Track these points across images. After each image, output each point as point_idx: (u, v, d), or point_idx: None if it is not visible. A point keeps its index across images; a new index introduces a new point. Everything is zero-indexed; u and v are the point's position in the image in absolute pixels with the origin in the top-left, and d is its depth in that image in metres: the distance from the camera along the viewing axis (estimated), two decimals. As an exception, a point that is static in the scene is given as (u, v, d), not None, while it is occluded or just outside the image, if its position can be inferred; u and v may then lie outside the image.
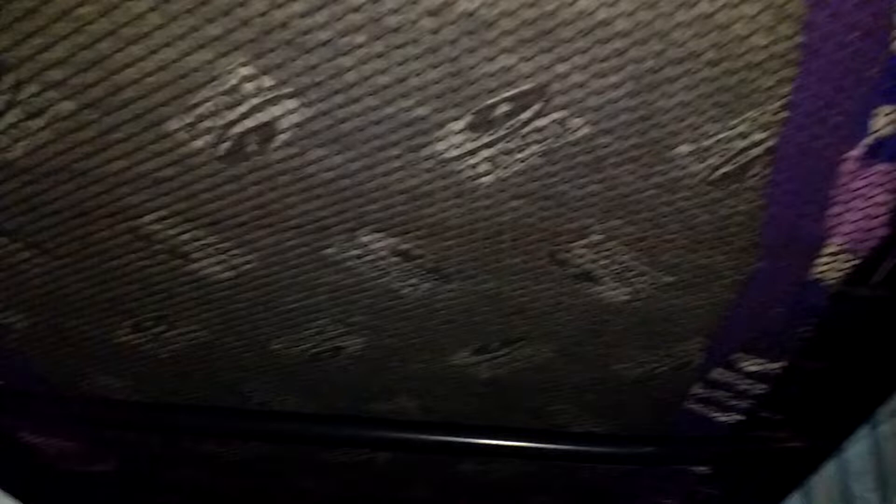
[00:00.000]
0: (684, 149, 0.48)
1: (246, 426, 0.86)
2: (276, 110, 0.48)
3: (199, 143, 0.50)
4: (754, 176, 0.49)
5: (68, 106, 0.48)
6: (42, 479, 1.03)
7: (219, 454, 1.02)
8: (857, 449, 1.01)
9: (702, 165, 0.49)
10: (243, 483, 1.13)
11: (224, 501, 1.17)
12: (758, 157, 0.48)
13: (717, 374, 0.72)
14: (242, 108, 0.48)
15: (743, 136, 0.46)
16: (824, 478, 0.99)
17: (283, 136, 0.50)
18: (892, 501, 0.95)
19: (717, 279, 0.60)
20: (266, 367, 0.79)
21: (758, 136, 0.46)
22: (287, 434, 0.87)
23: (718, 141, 0.47)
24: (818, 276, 0.57)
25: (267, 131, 0.49)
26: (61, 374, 0.81)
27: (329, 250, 0.61)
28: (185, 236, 0.60)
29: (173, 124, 0.49)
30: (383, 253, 0.61)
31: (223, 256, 0.62)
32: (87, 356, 0.77)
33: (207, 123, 0.49)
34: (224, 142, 0.50)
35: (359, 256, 0.61)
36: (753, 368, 0.69)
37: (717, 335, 0.67)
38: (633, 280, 0.61)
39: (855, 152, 0.47)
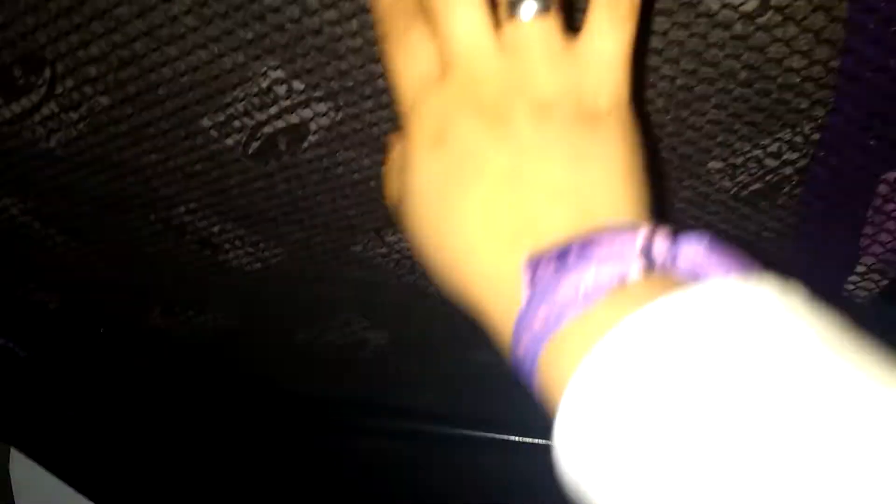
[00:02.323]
0: (715, 165, 0.47)
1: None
2: (306, 113, 0.48)
3: (230, 140, 0.51)
4: (785, 195, 0.49)
5: (103, 101, 0.49)
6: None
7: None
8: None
9: (732, 182, 0.48)
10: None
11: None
12: (789, 176, 0.47)
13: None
14: (273, 110, 0.48)
15: (775, 155, 0.46)
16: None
17: (312, 138, 0.50)
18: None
19: (744, 293, 0.59)
20: (291, 356, 0.80)
21: (790, 156, 0.46)
22: (313, 419, 0.88)
23: (749, 159, 0.46)
24: (848, 294, 0.56)
25: (297, 132, 0.50)
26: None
27: (356, 247, 0.61)
28: (216, 228, 0.60)
29: (206, 122, 0.50)
30: (409, 252, 0.61)
31: (252, 249, 0.63)
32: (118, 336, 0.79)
33: (239, 123, 0.49)
34: (255, 141, 0.51)
35: (385, 255, 0.62)
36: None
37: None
38: (658, 289, 0.61)
39: (889, 176, 0.46)
